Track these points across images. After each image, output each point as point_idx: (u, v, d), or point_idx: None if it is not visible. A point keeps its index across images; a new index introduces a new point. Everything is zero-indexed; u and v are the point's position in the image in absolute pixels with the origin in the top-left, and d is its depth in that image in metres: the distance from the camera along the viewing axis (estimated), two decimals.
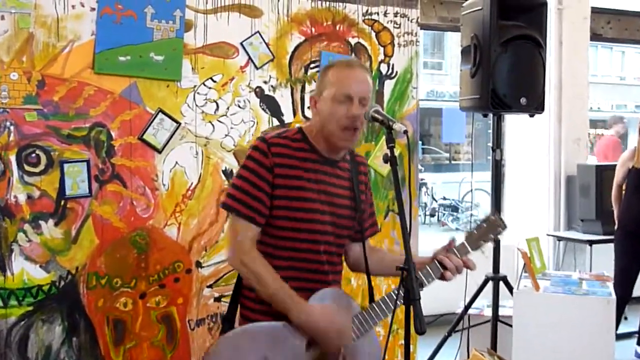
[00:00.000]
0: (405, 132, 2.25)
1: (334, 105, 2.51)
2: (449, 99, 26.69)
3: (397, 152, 4.08)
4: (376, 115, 2.42)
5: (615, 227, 5.52)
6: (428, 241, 4.92)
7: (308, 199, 2.54)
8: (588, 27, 6.42)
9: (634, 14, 6.90)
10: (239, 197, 2.51)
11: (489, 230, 2.72)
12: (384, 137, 4.09)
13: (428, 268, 2.58)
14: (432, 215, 15.37)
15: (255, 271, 2.48)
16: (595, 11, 6.60)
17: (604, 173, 6.06)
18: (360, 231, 2.74)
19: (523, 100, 4.18)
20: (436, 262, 2.60)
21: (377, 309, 2.55)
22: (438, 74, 29.98)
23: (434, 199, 15.89)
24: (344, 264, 2.81)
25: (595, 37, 6.66)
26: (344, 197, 2.65)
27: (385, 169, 4.14)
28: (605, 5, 6.68)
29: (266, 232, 2.56)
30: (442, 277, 2.60)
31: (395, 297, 2.47)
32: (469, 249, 2.66)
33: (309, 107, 3.83)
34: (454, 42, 27.33)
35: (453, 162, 27.30)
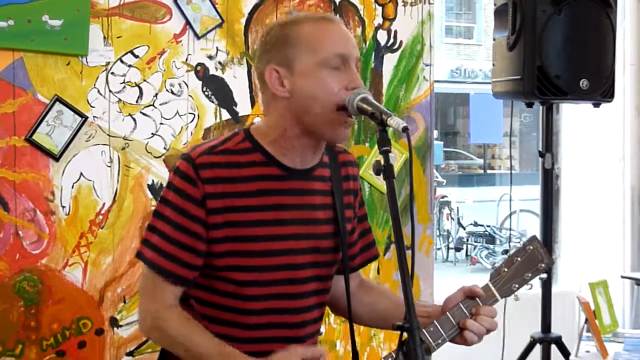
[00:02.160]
0: (405, 129, 2.24)
1: (322, 73, 2.41)
2: (483, 79, 26.80)
3: (401, 158, 4.15)
4: (364, 105, 2.38)
5: None
6: (451, 286, 4.93)
7: (270, 236, 2.48)
8: None
9: None
10: (158, 245, 2.47)
11: (526, 266, 2.69)
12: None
13: (437, 324, 2.58)
14: (458, 250, 15.42)
15: (175, 337, 2.47)
16: None
17: None
18: (345, 259, 2.72)
19: (584, 84, 4.21)
20: (449, 315, 2.59)
21: None
22: (468, 43, 30.11)
23: (460, 225, 15.93)
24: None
25: None
26: (325, 222, 2.60)
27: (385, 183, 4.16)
28: None
29: (212, 288, 2.55)
30: (461, 339, 2.60)
31: None
32: (497, 295, 2.64)
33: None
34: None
35: (489, 171, 27.45)
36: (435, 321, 2.55)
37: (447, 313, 2.57)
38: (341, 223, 2.61)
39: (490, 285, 2.63)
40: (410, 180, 2.35)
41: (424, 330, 2.53)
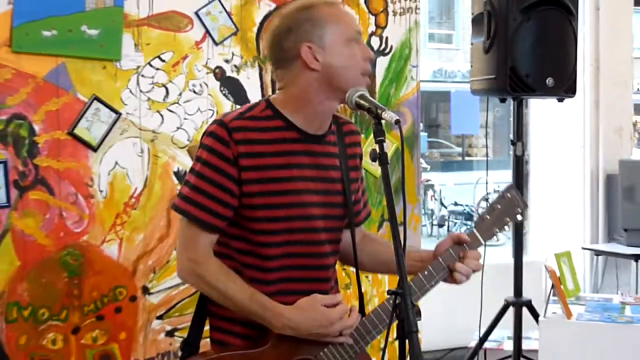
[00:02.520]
0: (397, 122, 2.24)
1: (350, 46, 2.49)
2: (461, 79, 26.75)
3: (392, 147, 4.14)
4: (361, 101, 2.39)
5: None
6: None
7: (292, 191, 2.50)
8: None
9: None
10: (193, 198, 2.48)
11: (505, 212, 2.68)
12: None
13: (430, 268, 2.58)
14: (440, 226, 15.41)
15: (213, 283, 2.47)
16: None
17: None
18: (351, 215, 2.73)
19: (550, 81, 4.22)
20: (440, 260, 2.59)
21: (368, 324, 2.55)
22: (447, 48, 30.06)
23: (442, 204, 15.94)
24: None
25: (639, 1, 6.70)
26: (336, 181, 2.62)
27: (378, 169, 4.15)
28: None
29: (245, 238, 2.55)
30: (451, 279, 2.60)
31: (389, 314, 2.45)
32: (481, 239, 2.64)
33: (272, 83, 3.85)
34: (467, 8, 27.43)
35: (467, 158, 27.41)
36: (429, 266, 2.58)
37: (439, 257, 2.60)
38: (346, 183, 2.64)
39: (475, 231, 2.64)
40: (402, 165, 2.37)
41: (419, 274, 2.57)
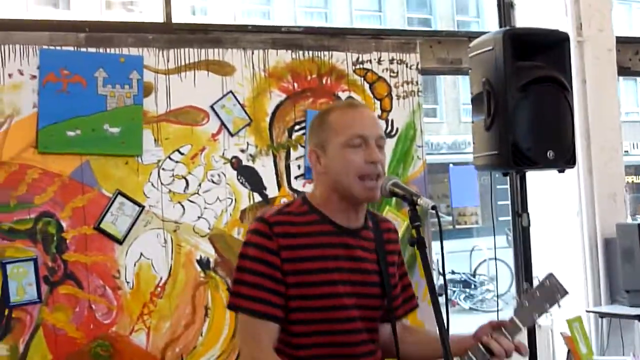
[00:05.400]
0: (434, 207, 2.29)
1: (347, 152, 2.50)
2: (447, 151, 26.95)
3: (403, 226, 4.17)
4: (395, 189, 2.44)
5: None
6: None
7: (327, 282, 2.51)
8: (614, 61, 6.58)
9: None
10: (247, 293, 2.49)
11: (545, 298, 2.63)
12: (387, 209, 4.17)
13: (470, 354, 2.57)
14: (439, 295, 15.34)
15: None
16: (621, 41, 6.78)
17: None
18: (390, 309, 2.74)
19: (550, 154, 4.25)
20: (480, 345, 2.56)
21: None
22: (432, 122, 30.33)
23: (440, 273, 15.90)
24: None
25: (622, 70, 6.81)
26: (371, 273, 2.62)
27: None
28: (631, 34, 6.87)
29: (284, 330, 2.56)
30: None
31: None
32: (520, 325, 2.60)
33: (296, 177, 3.91)
34: (448, 84, 27.76)
35: (458, 226, 27.40)
36: (468, 351, 2.56)
37: (479, 343, 2.57)
38: (385, 277, 2.64)
39: (515, 317, 2.62)
40: (441, 245, 2.37)
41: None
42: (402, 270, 2.80)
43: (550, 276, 2.69)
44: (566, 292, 2.66)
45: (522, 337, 4.54)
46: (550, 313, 2.73)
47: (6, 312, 3.41)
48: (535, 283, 2.74)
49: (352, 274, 2.57)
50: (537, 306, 2.64)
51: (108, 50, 3.70)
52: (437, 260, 16.37)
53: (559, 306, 2.70)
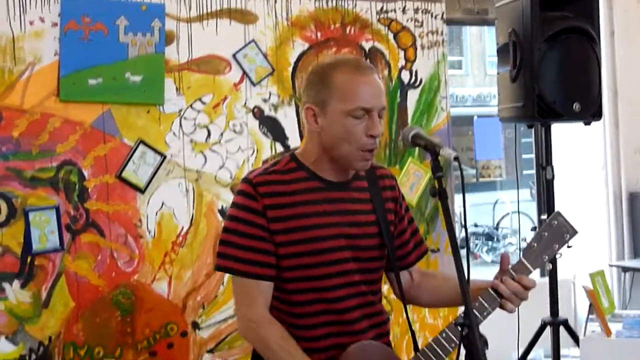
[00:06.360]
0: (456, 158, 2.25)
1: (348, 121, 2.46)
2: (471, 104, 26.75)
3: (425, 177, 4.14)
4: (418, 140, 2.40)
5: None
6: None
7: (317, 238, 2.51)
8: None
9: None
10: (233, 254, 2.50)
11: (554, 239, 2.61)
12: (410, 160, 4.12)
13: (481, 300, 2.54)
14: (462, 248, 15.32)
15: (275, 348, 2.47)
16: None
17: None
18: (400, 258, 2.72)
19: (576, 106, 4.20)
20: (490, 290, 2.55)
21: (431, 355, 2.51)
22: (458, 74, 30.08)
23: (462, 226, 15.87)
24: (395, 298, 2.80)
25: None
26: (367, 224, 2.61)
27: (414, 198, 4.16)
28: None
29: (276, 288, 2.55)
30: (503, 308, 2.55)
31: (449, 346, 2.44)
32: (530, 267, 2.58)
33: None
34: (474, 36, 27.44)
35: (481, 179, 27.32)
36: (479, 297, 2.54)
37: (489, 289, 2.56)
38: (383, 225, 2.63)
39: (523, 260, 2.59)
40: (463, 196, 2.30)
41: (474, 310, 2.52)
42: (409, 215, 2.78)
43: (558, 215, 2.64)
44: (575, 232, 2.61)
45: (544, 292, 4.52)
46: (560, 254, 2.67)
47: (29, 260, 3.40)
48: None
49: (347, 227, 2.56)
50: (546, 247, 2.61)
51: None
52: (460, 213, 16.44)
53: (569, 246, 2.65)
